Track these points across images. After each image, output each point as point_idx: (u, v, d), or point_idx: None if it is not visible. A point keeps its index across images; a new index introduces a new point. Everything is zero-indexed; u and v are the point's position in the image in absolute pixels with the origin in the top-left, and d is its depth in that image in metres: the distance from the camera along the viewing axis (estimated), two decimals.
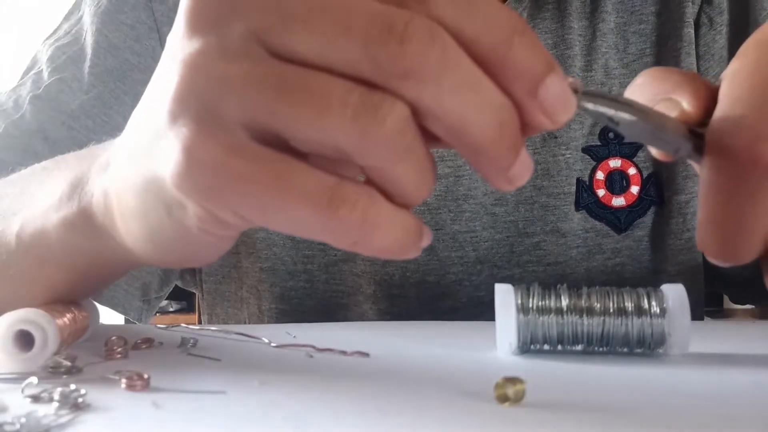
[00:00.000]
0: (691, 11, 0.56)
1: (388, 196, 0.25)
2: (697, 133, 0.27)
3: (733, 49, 0.56)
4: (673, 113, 0.28)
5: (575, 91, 0.25)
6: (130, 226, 0.31)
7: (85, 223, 0.33)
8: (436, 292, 0.57)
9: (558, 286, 0.38)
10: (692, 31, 0.56)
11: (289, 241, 0.58)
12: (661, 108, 0.28)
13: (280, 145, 0.24)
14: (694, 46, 0.56)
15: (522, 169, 0.25)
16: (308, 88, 0.23)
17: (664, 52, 0.57)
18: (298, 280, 0.58)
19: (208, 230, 0.27)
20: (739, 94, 0.26)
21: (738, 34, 0.56)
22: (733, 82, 0.26)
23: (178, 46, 0.25)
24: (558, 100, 0.24)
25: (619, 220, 0.57)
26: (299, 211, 0.24)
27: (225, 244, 0.29)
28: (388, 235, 0.24)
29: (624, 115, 0.26)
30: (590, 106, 0.26)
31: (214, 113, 0.24)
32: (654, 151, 0.30)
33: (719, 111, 0.26)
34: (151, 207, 0.28)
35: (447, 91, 0.23)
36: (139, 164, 0.28)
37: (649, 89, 0.29)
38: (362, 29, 0.22)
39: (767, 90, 0.25)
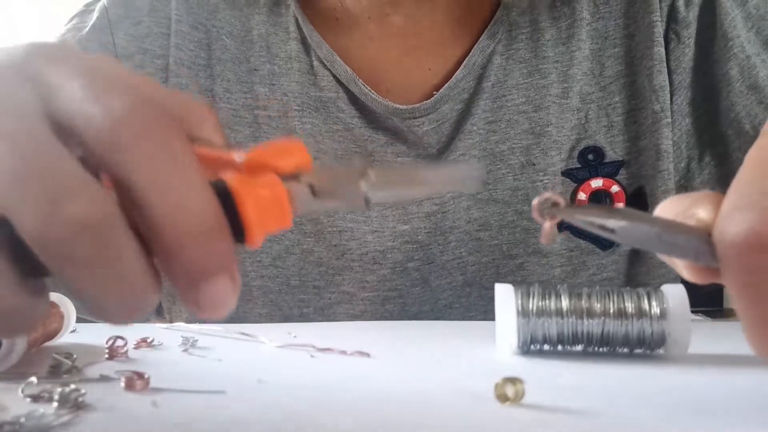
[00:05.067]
0: (659, 30, 0.57)
1: None
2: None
3: (700, 59, 0.57)
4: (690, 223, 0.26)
5: (556, 204, 0.25)
6: None
7: None
8: (430, 318, 0.59)
9: (558, 286, 0.38)
10: (662, 50, 0.57)
11: (285, 287, 0.58)
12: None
13: None
14: (665, 64, 0.57)
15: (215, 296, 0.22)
16: None
17: (637, 72, 0.58)
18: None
19: None
20: (740, 189, 0.24)
21: (706, 42, 0.58)
22: (733, 185, 0.25)
23: None
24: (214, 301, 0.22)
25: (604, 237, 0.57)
26: None
27: None
28: None
29: (617, 222, 0.26)
30: (580, 217, 0.26)
31: None
32: (678, 263, 0.27)
33: (721, 212, 0.25)
34: None
35: None
36: None
37: (668, 213, 0.27)
38: None
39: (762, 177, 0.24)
